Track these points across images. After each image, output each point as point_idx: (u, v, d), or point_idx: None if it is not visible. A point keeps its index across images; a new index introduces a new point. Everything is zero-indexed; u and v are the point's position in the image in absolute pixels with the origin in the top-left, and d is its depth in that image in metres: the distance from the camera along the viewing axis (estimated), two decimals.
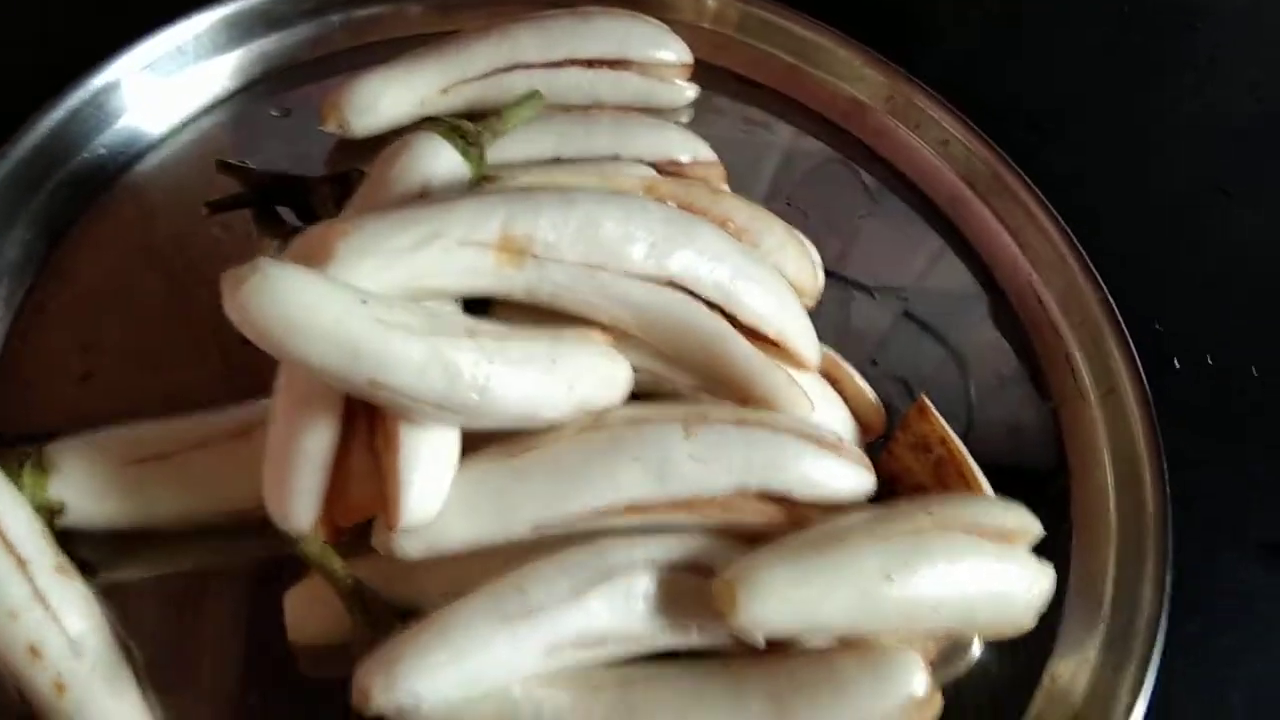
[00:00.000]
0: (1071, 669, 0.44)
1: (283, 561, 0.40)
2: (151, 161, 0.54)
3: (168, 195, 0.51)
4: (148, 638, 0.38)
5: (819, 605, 0.36)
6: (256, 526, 0.39)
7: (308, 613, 0.38)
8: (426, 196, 0.40)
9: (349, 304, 0.31)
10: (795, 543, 0.37)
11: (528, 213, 0.36)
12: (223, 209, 0.44)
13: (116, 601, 0.39)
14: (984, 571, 0.38)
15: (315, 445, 0.34)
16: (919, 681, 0.36)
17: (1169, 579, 0.44)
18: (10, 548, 0.35)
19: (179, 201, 0.50)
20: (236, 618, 0.41)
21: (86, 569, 0.39)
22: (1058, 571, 0.41)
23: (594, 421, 0.38)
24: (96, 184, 0.51)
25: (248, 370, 0.43)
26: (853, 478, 0.40)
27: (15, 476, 0.37)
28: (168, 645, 0.39)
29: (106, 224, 0.51)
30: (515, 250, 0.36)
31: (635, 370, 0.40)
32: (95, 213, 0.50)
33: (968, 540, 0.38)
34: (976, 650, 0.44)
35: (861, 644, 0.37)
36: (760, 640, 0.36)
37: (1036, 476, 0.49)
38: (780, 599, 0.35)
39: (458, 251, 0.34)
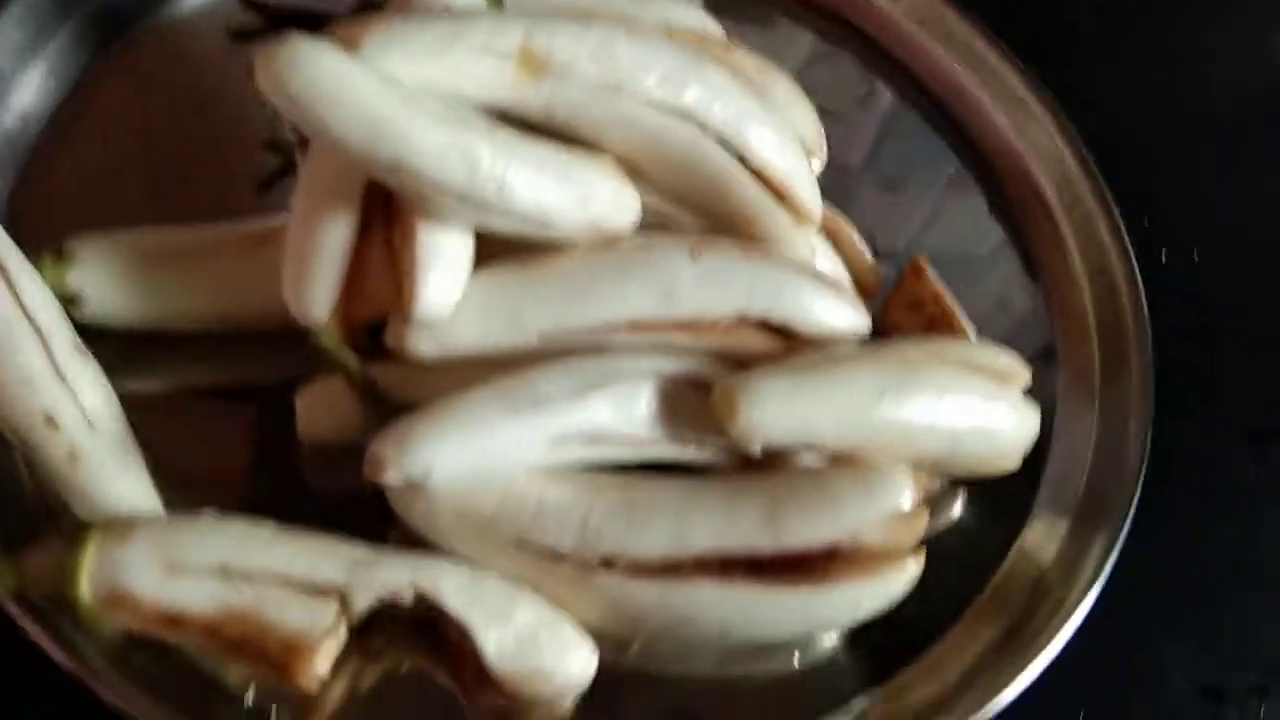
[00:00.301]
0: (1046, 529, 0.45)
1: (293, 383, 0.41)
2: None
3: (194, 28, 0.51)
4: (155, 448, 0.39)
5: (814, 416, 0.37)
6: (270, 339, 0.41)
7: (318, 409, 0.39)
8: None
9: (375, 82, 0.32)
10: (795, 361, 0.39)
11: (547, 28, 0.37)
12: (246, 38, 0.45)
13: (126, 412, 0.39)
14: (974, 403, 0.40)
15: (334, 237, 0.35)
16: (907, 495, 0.37)
17: (1147, 447, 0.45)
18: (29, 318, 0.36)
19: (205, 35, 0.51)
20: (246, 433, 0.42)
21: None
22: (1040, 441, 0.43)
23: (604, 243, 0.39)
24: (123, 14, 0.52)
25: (269, 200, 0.47)
26: (850, 316, 0.41)
27: (36, 264, 0.38)
28: (176, 457, 0.39)
29: (131, 55, 0.51)
30: (534, 64, 0.37)
31: (645, 208, 0.41)
32: (122, 44, 0.51)
33: (960, 372, 0.40)
34: (957, 511, 0.46)
35: (854, 461, 0.39)
36: (757, 448, 0.37)
37: (1024, 351, 0.51)
38: (778, 407, 0.37)
39: (478, 58, 0.35)
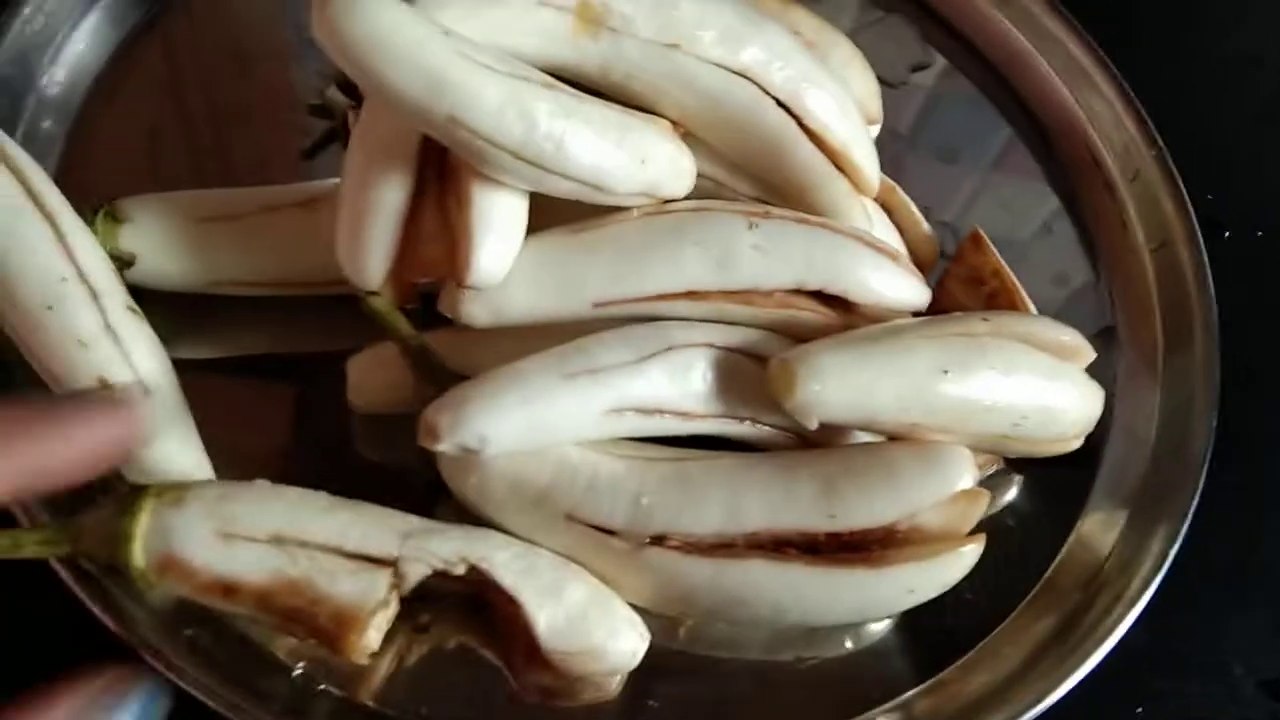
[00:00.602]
0: (1106, 514, 0.44)
1: (345, 352, 0.40)
2: None
3: None
4: (205, 415, 0.38)
5: (873, 392, 0.36)
6: (323, 306, 0.40)
7: (368, 378, 0.39)
8: None
9: (434, 33, 0.31)
10: (854, 334, 0.38)
11: None
12: None
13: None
14: (1037, 380, 0.38)
15: (389, 198, 0.35)
16: (968, 474, 0.37)
17: (1213, 430, 0.44)
18: (84, 278, 0.35)
19: None
20: (298, 401, 0.42)
21: None
22: (1101, 420, 0.42)
23: (659, 208, 0.38)
24: None
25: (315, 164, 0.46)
26: (909, 289, 0.40)
27: (89, 223, 0.37)
28: (226, 425, 0.39)
29: (176, 17, 0.50)
30: (592, 19, 0.35)
31: (698, 176, 0.40)
32: (167, 6, 0.50)
33: (1023, 348, 0.38)
34: (1013, 494, 0.45)
35: (912, 440, 0.38)
36: (814, 423, 0.36)
37: (1084, 329, 0.50)
38: (837, 381, 0.35)
39: (537, 10, 0.34)
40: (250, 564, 0.32)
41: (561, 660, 0.34)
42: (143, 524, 0.32)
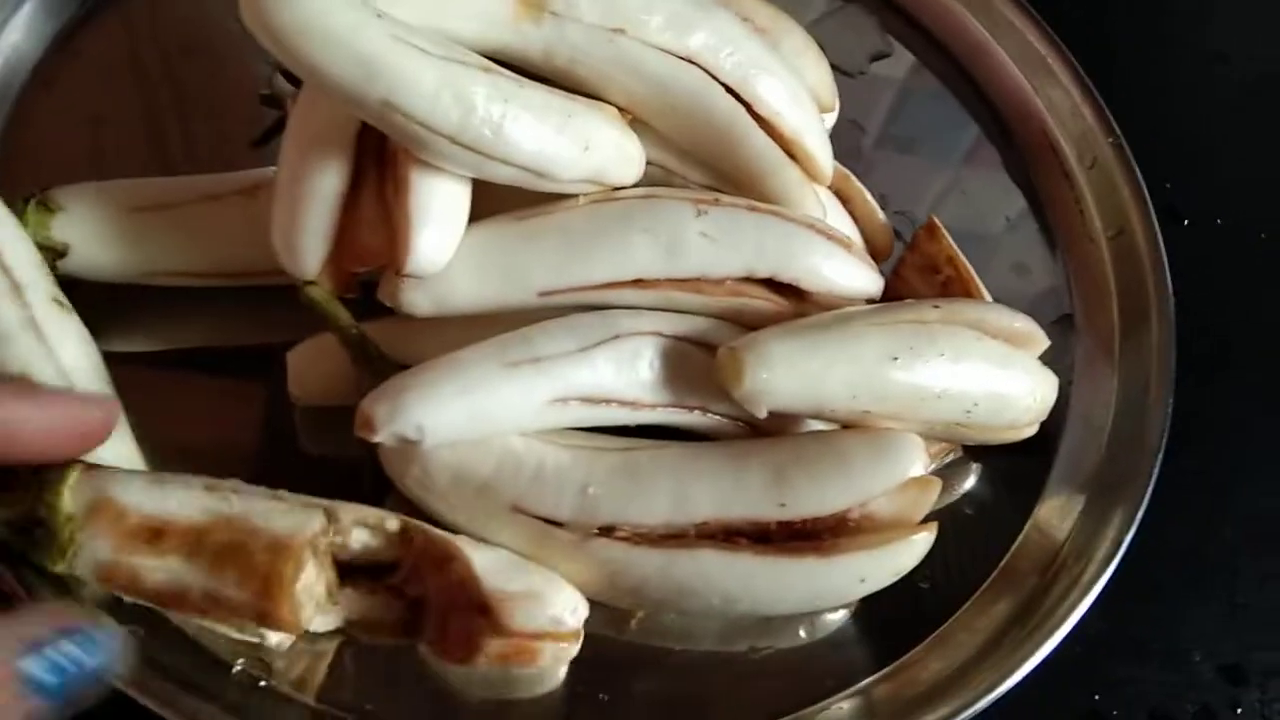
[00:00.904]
0: (1064, 500, 0.44)
1: (286, 344, 0.39)
2: None
3: None
4: (142, 409, 0.37)
5: (823, 380, 0.36)
6: (262, 296, 0.39)
7: (309, 369, 0.38)
8: None
9: (365, 15, 0.30)
10: (803, 323, 0.37)
11: None
12: None
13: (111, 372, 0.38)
14: (988, 367, 0.38)
15: (326, 185, 0.34)
16: (919, 462, 0.36)
17: (1169, 415, 0.44)
18: (5, 271, 0.34)
19: None
20: (237, 394, 0.41)
21: None
22: (1057, 407, 0.42)
23: (606, 195, 0.38)
24: None
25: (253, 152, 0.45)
26: (861, 276, 0.40)
27: (20, 214, 0.37)
28: (163, 419, 0.38)
29: (117, 4, 0.49)
30: (534, 4, 0.35)
31: (647, 163, 0.39)
32: None
33: (974, 335, 0.38)
34: (970, 482, 0.44)
35: (863, 427, 0.37)
36: (763, 412, 0.36)
37: (1042, 317, 0.50)
38: (786, 369, 0.35)
39: None
40: (183, 502, 0.31)
41: (500, 604, 0.33)
42: (73, 476, 0.31)
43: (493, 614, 0.33)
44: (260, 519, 0.32)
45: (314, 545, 0.32)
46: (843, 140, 0.50)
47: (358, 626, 0.35)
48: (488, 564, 0.33)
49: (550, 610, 0.33)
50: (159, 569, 0.31)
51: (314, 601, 0.33)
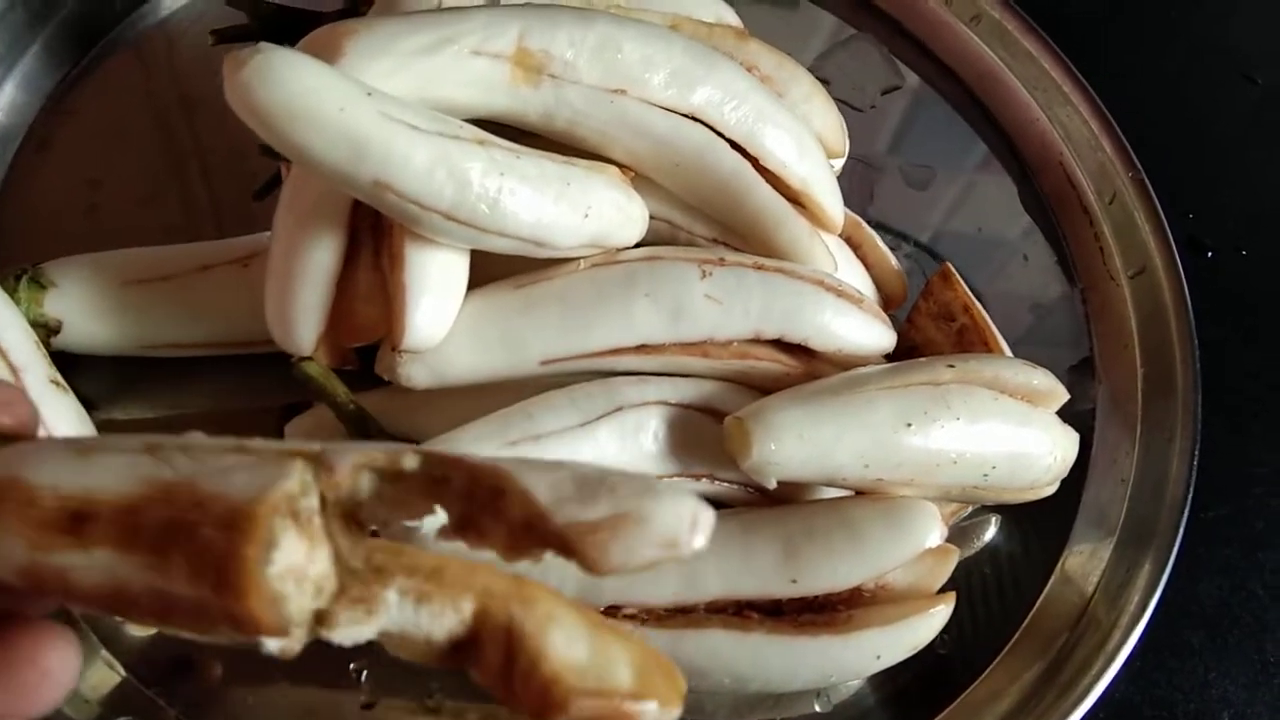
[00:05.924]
0: (1087, 555, 0.43)
1: (286, 410, 0.39)
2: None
3: (176, 31, 0.49)
4: None
5: (834, 448, 0.34)
6: (261, 364, 0.39)
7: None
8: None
9: (353, 93, 0.29)
10: (812, 387, 0.36)
11: (545, 27, 0.34)
12: (229, 40, 0.42)
13: None
14: (1006, 427, 0.37)
15: (320, 260, 0.33)
16: (935, 532, 0.35)
17: (1195, 465, 0.42)
18: (2, 354, 0.34)
19: (189, 38, 0.49)
20: None
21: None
22: (1080, 456, 0.40)
23: (608, 258, 0.37)
24: (103, 21, 0.50)
25: (253, 207, 0.45)
26: (873, 333, 0.38)
27: (11, 291, 0.36)
28: None
29: (112, 62, 0.49)
30: (531, 67, 0.34)
31: (651, 218, 0.38)
32: (101, 50, 0.49)
33: (991, 395, 0.37)
34: (991, 532, 0.43)
35: (876, 495, 0.36)
36: (772, 482, 0.34)
37: (1061, 361, 0.48)
38: (794, 439, 0.34)
39: (471, 60, 0.33)
40: (110, 471, 0.21)
41: (583, 538, 0.20)
42: None
43: (578, 554, 0.20)
44: (211, 482, 0.21)
45: (293, 509, 0.21)
46: (854, 179, 0.49)
47: (395, 641, 0.22)
48: (554, 489, 0.21)
49: (659, 530, 0.20)
50: (89, 567, 0.21)
51: (312, 589, 0.21)
